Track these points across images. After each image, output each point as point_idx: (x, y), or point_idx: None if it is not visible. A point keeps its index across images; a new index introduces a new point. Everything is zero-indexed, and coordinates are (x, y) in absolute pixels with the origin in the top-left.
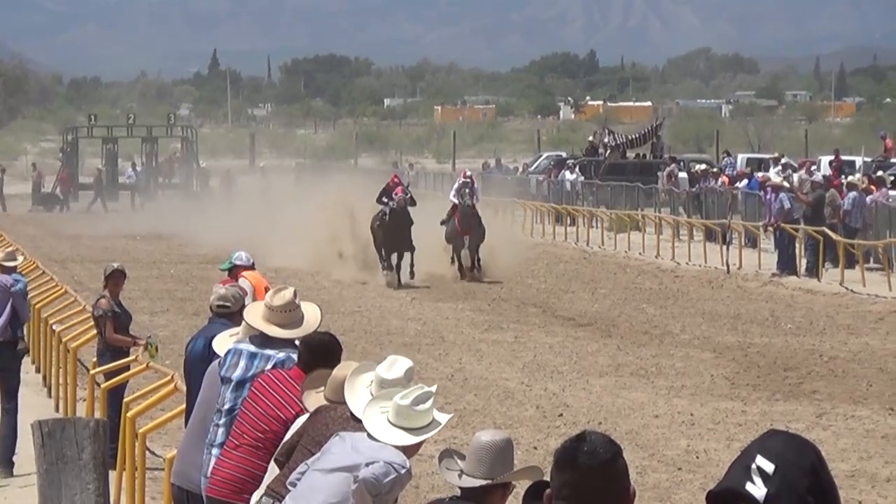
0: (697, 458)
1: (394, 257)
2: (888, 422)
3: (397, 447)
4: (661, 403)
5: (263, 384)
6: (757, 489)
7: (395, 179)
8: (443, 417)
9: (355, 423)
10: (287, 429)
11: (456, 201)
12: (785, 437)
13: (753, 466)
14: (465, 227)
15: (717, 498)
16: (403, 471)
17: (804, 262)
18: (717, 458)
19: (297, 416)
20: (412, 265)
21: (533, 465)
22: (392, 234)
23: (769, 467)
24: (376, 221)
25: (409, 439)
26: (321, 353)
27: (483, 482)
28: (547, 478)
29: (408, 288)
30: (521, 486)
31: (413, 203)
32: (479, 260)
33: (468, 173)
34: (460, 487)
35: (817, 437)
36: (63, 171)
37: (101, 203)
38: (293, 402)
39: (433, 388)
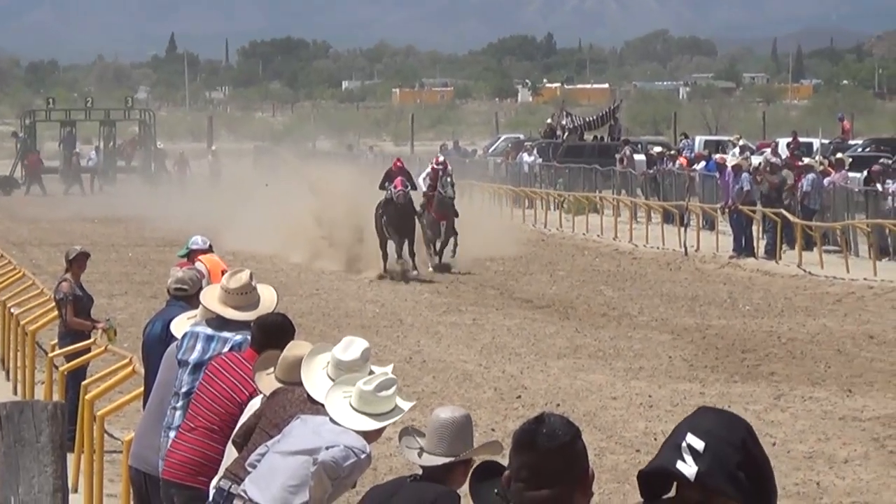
0: (655, 439)
1: (402, 249)
2: (846, 403)
3: (359, 432)
4: (620, 385)
5: (218, 367)
6: (688, 467)
7: (398, 164)
8: (405, 404)
9: (313, 405)
10: (242, 411)
11: (424, 188)
12: (715, 413)
13: (684, 444)
14: (440, 213)
15: (648, 477)
16: (363, 455)
17: (762, 243)
18: None
19: (252, 397)
20: (413, 255)
21: (493, 441)
22: (397, 222)
23: (699, 445)
24: (379, 209)
25: (372, 425)
26: (274, 333)
27: (445, 460)
28: (507, 452)
29: (415, 282)
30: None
31: (413, 188)
32: (456, 246)
33: (441, 158)
34: (421, 466)
35: (775, 419)
36: (30, 155)
37: (80, 186)
38: (248, 383)
39: (392, 374)
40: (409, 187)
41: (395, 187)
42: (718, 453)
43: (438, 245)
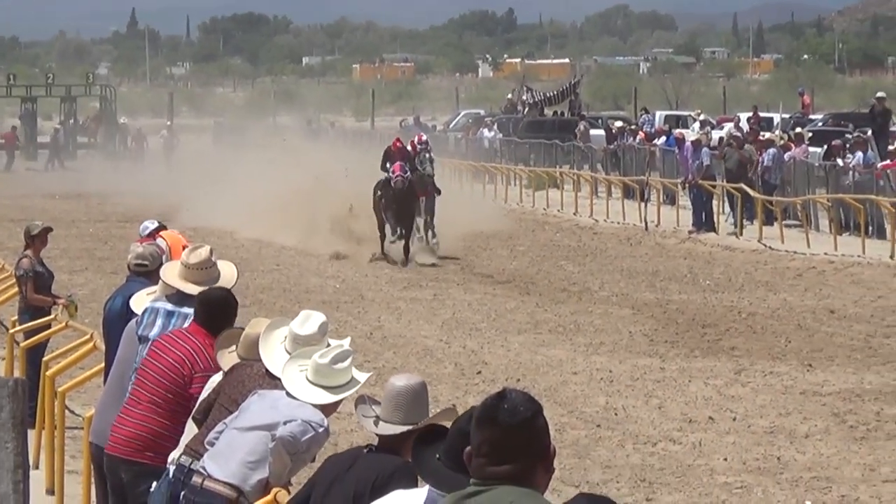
0: (616, 414)
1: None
2: (806, 378)
3: (316, 406)
4: (580, 360)
5: (163, 342)
6: None
7: (398, 144)
8: (361, 376)
9: (271, 380)
10: (188, 386)
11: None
12: (588, 500)
13: None
14: (420, 190)
15: None
16: (321, 429)
17: (723, 218)
18: (636, 415)
19: (198, 373)
20: (408, 247)
21: (449, 408)
22: (395, 207)
23: None
24: (378, 190)
25: (328, 398)
26: (217, 308)
27: (402, 428)
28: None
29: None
30: None
31: (413, 169)
32: (433, 227)
33: (423, 137)
34: (377, 434)
35: (736, 394)
36: (6, 133)
37: (59, 162)
38: (193, 357)
39: (348, 346)
40: (409, 171)
41: (393, 172)
42: None
43: (422, 223)
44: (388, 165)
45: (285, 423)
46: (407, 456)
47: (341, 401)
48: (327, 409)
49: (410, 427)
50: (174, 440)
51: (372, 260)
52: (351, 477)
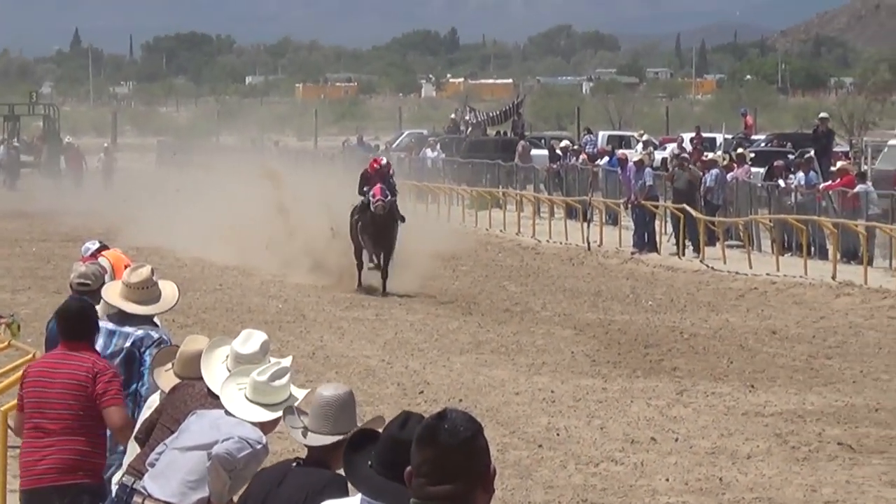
0: (558, 435)
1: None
2: (748, 399)
3: (255, 423)
4: (522, 380)
5: (43, 369)
6: None
7: (374, 166)
8: (300, 393)
9: (213, 400)
10: (94, 398)
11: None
12: None
13: None
14: None
15: None
16: (259, 446)
17: (664, 238)
18: (578, 436)
19: (100, 373)
20: (388, 267)
21: (378, 416)
22: (374, 232)
23: None
24: (355, 215)
25: (267, 415)
26: (75, 320)
27: (331, 439)
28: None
29: (390, 296)
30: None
31: (394, 193)
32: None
33: (383, 161)
34: (306, 446)
35: (678, 414)
36: None
37: (10, 181)
38: (79, 363)
39: (289, 363)
40: (390, 194)
41: (373, 196)
42: None
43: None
44: (365, 189)
45: (222, 442)
46: (337, 467)
47: (279, 419)
48: (266, 427)
49: (339, 437)
50: (101, 455)
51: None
52: (282, 493)
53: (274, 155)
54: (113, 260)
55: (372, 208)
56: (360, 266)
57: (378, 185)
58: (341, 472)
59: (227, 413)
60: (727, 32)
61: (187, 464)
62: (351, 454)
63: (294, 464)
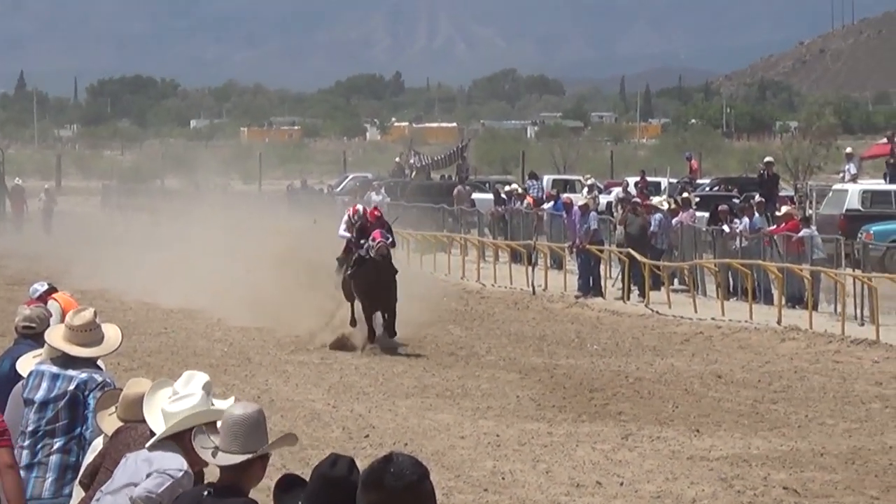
0: (503, 479)
1: (376, 316)
2: (693, 443)
3: (178, 454)
4: (468, 424)
5: None
6: None
7: (375, 214)
8: (223, 404)
9: None
10: None
11: (347, 235)
12: None
13: None
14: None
15: None
16: (180, 474)
17: (610, 282)
18: (523, 479)
19: None
20: (394, 324)
21: (288, 434)
22: (373, 284)
23: None
24: (349, 269)
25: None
26: None
27: (241, 458)
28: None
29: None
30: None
31: (393, 245)
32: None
33: (359, 208)
34: (217, 466)
35: (623, 458)
36: None
37: None
38: None
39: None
40: (389, 237)
41: (373, 239)
42: None
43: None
44: (362, 241)
45: (147, 475)
46: (249, 489)
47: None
48: (193, 457)
49: (249, 456)
50: None
51: (364, 348)
52: None
53: (220, 199)
54: (63, 303)
55: (373, 253)
56: (353, 320)
57: (377, 230)
58: (252, 496)
59: (150, 449)
60: (672, 76)
61: None
62: (281, 496)
63: (206, 492)
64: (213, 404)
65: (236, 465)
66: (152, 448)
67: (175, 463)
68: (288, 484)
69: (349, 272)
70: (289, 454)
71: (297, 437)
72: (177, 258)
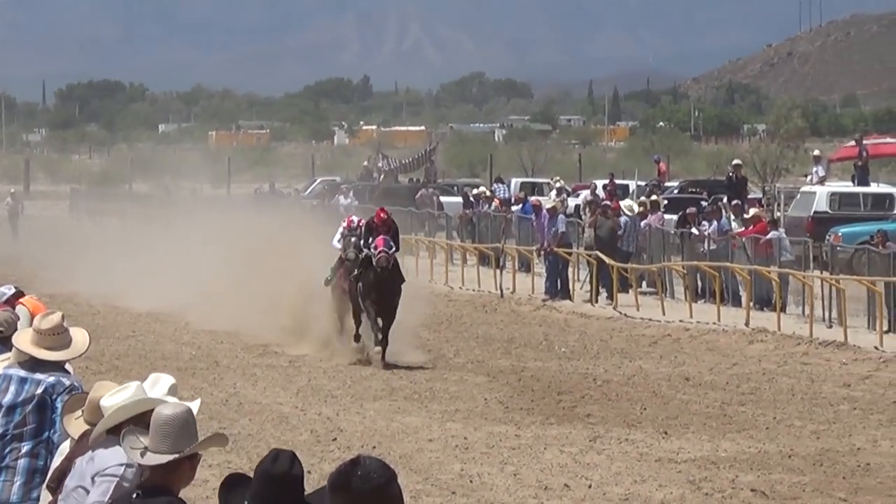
0: (471, 481)
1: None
2: (662, 445)
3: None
4: (436, 427)
5: None
6: None
7: (382, 215)
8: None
9: None
10: None
11: (339, 247)
12: None
13: None
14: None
15: None
16: (121, 470)
17: (578, 285)
18: (491, 482)
19: None
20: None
21: (217, 433)
22: (379, 291)
23: None
24: (353, 270)
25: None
26: None
27: (170, 457)
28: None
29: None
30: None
31: (397, 248)
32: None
33: (354, 220)
34: (148, 466)
35: (591, 461)
36: None
37: None
38: None
39: (198, 407)
40: (393, 246)
41: (376, 247)
42: None
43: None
44: (369, 241)
45: (93, 479)
46: (179, 487)
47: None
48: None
49: (176, 455)
50: None
51: (358, 361)
52: None
53: (189, 203)
54: (31, 307)
55: (374, 261)
56: (358, 324)
57: (381, 237)
58: (181, 496)
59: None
60: (640, 79)
61: None
62: (226, 495)
63: (134, 495)
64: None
65: (165, 465)
66: (94, 446)
67: (115, 458)
68: (233, 482)
69: (355, 273)
70: (256, 458)
71: (227, 438)
72: (145, 262)
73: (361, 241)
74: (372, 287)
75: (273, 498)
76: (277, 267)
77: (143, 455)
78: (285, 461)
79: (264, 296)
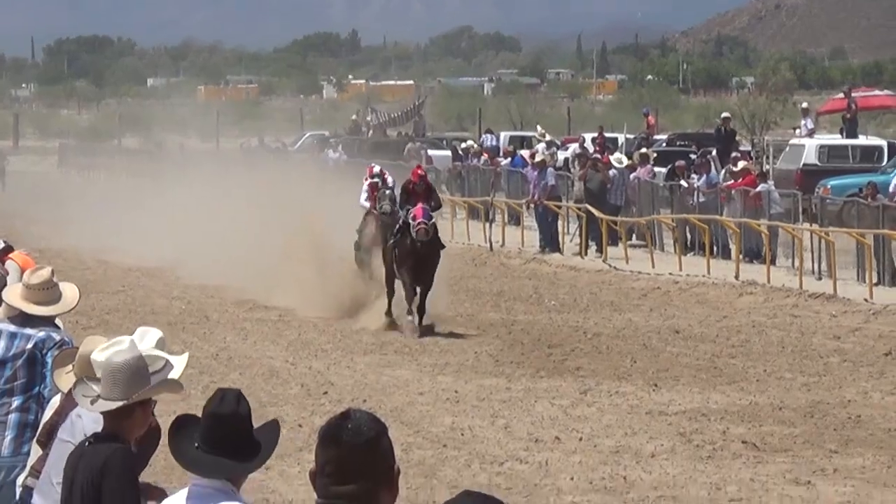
0: (462, 434)
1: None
2: (652, 398)
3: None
4: (426, 381)
5: None
6: None
7: (419, 172)
8: (179, 360)
9: None
10: None
11: (367, 206)
12: (477, 499)
13: None
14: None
15: None
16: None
17: (567, 238)
18: (482, 435)
19: None
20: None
21: (170, 379)
22: (416, 261)
23: None
24: (390, 237)
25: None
26: None
27: (118, 403)
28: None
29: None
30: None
31: (439, 205)
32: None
33: (375, 169)
34: (101, 413)
35: (582, 414)
36: None
37: None
38: None
39: (185, 359)
40: (432, 216)
41: (414, 218)
42: None
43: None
44: (407, 207)
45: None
46: (132, 437)
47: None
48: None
49: (125, 402)
50: None
51: (385, 327)
52: (77, 479)
53: (178, 158)
54: (21, 262)
55: (413, 233)
56: (391, 294)
57: (420, 206)
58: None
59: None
60: (628, 33)
61: (59, 461)
62: (176, 438)
63: (87, 443)
64: (167, 360)
65: (117, 412)
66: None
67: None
68: (182, 423)
69: (392, 241)
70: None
71: (180, 384)
72: (135, 217)
73: (399, 203)
74: (409, 254)
75: (222, 436)
76: (270, 221)
77: (93, 403)
78: (232, 400)
79: (256, 250)
